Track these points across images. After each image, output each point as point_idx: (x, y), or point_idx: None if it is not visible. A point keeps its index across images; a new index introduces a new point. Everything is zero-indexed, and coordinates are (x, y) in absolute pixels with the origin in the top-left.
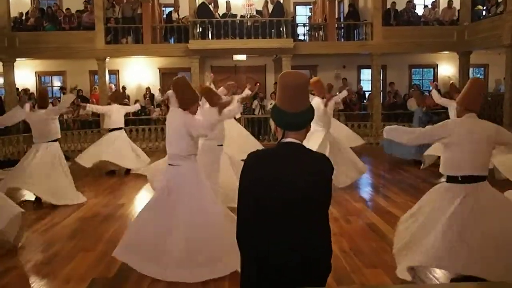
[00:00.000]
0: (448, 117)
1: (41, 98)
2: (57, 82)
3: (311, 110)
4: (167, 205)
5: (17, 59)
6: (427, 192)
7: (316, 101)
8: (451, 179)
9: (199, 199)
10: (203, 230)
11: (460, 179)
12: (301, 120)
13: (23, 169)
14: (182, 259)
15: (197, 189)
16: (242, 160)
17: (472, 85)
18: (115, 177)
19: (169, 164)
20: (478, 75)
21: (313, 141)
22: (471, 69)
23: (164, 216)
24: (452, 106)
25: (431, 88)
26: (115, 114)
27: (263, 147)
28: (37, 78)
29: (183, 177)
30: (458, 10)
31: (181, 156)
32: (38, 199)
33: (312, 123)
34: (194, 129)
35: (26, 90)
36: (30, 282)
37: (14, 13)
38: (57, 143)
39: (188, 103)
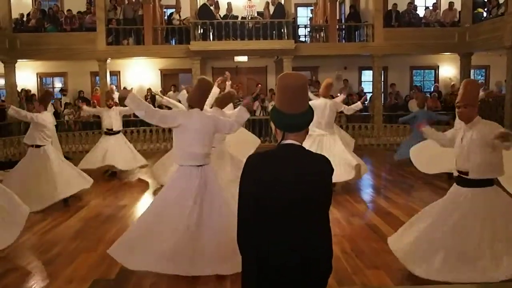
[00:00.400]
0: (449, 119)
1: (44, 99)
2: (58, 84)
3: (310, 111)
4: (203, 204)
5: (18, 60)
6: (452, 201)
7: (323, 102)
8: (491, 182)
9: (225, 192)
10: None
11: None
12: (301, 121)
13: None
14: (225, 253)
15: (220, 183)
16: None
17: (473, 87)
18: (116, 178)
19: (198, 165)
20: (479, 77)
21: (339, 149)
22: (472, 71)
23: (201, 215)
24: None
25: (432, 89)
26: (113, 115)
27: (259, 141)
28: (38, 79)
29: (213, 173)
30: (459, 12)
31: (208, 154)
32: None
33: (319, 127)
34: (223, 127)
35: (27, 92)
36: (31, 283)
37: (15, 14)
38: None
39: (203, 104)
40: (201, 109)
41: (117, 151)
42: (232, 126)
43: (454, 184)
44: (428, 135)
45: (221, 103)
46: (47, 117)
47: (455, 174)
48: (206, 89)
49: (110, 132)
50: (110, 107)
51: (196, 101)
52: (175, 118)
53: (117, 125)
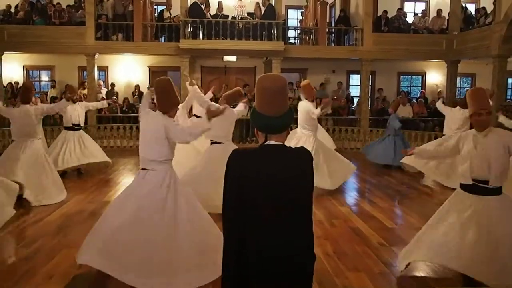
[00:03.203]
0: (435, 125)
1: (25, 92)
2: (45, 77)
3: (290, 113)
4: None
5: (5, 52)
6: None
7: (305, 105)
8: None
9: (179, 206)
10: (185, 236)
11: None
12: (282, 123)
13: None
14: (190, 264)
15: (176, 194)
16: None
17: (486, 94)
18: (101, 174)
19: (143, 169)
20: (466, 85)
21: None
22: (458, 78)
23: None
24: (449, 115)
25: (419, 95)
26: (70, 111)
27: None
28: (25, 72)
29: (160, 182)
30: (447, 20)
31: (157, 161)
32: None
33: (299, 127)
34: (174, 135)
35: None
36: (10, 278)
37: (2, 5)
38: (39, 141)
39: (168, 106)
40: (164, 111)
41: (85, 147)
42: (186, 134)
43: (458, 192)
44: (421, 155)
45: (228, 99)
46: (18, 112)
47: (467, 182)
48: (162, 90)
49: (75, 128)
50: (75, 101)
51: (159, 105)
52: None
53: (83, 120)
